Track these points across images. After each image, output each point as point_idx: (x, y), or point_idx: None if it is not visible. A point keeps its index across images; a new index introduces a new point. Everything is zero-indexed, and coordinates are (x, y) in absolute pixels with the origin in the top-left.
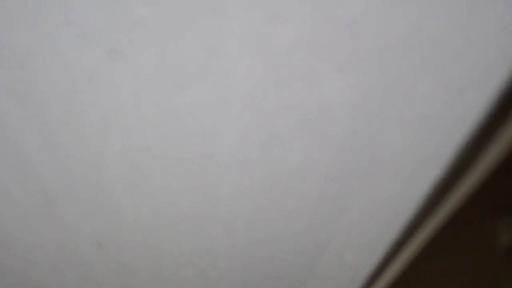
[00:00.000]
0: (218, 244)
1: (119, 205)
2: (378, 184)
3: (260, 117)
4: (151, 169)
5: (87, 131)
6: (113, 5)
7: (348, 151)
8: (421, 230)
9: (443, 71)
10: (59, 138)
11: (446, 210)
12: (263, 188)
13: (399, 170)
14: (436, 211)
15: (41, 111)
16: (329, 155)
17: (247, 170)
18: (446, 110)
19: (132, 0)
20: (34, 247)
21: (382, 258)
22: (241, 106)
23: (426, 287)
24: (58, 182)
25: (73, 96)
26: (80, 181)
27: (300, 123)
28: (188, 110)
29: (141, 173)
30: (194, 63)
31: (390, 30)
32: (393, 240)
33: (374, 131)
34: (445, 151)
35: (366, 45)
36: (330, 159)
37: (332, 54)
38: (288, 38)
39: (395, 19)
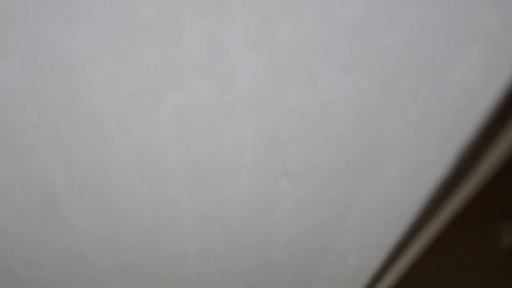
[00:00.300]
0: (219, 245)
1: (121, 206)
2: (380, 185)
3: (261, 118)
4: (153, 170)
5: (89, 132)
6: (116, 6)
7: (350, 152)
8: (424, 232)
9: (445, 72)
10: (61, 139)
11: (448, 212)
12: (264, 190)
13: (401, 172)
14: (438, 213)
15: (44, 112)
16: (331, 156)
17: (249, 171)
18: (448, 111)
19: (135, 1)
20: (36, 248)
21: (384, 259)
22: (242, 107)
23: None
24: (61, 183)
25: (75, 97)
26: (82, 182)
27: (302, 124)
28: (190, 112)
29: (143, 175)
30: (196, 64)
31: (392, 32)
32: (396, 241)
33: (376, 132)
34: (447, 153)
35: (368, 46)
36: (332, 160)
37: (334, 55)
38: (290, 39)
39: (397, 21)
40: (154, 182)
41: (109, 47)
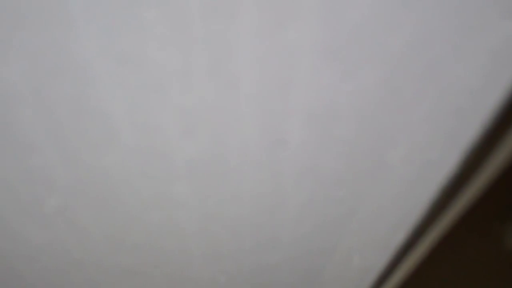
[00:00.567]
0: (224, 246)
1: (125, 207)
2: (385, 187)
3: (267, 120)
4: (157, 171)
5: (93, 133)
6: (121, 7)
7: (355, 153)
8: (429, 232)
9: (451, 74)
10: (66, 139)
11: (453, 212)
12: (269, 191)
13: (407, 173)
14: (443, 214)
15: (49, 113)
16: (336, 157)
17: (253, 172)
18: (453, 113)
19: (139, 4)
20: (42, 249)
21: (389, 260)
22: (247, 108)
23: None
24: (65, 183)
25: (80, 98)
26: (87, 183)
27: (307, 125)
28: (195, 112)
29: (147, 175)
30: (201, 65)
31: (397, 33)
32: (401, 242)
33: (380, 133)
34: (452, 154)
35: (373, 48)
36: (336, 161)
37: (339, 57)
38: (295, 41)
39: (402, 22)
40: (159, 182)
41: (114, 49)
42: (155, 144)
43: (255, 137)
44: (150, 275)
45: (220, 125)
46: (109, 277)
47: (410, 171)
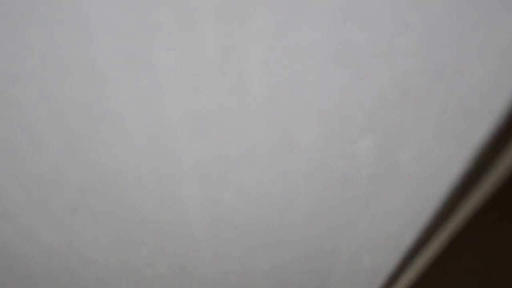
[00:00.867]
0: (234, 247)
1: (136, 208)
2: (395, 187)
3: (276, 120)
4: (166, 172)
5: (102, 134)
6: (132, 8)
7: (365, 155)
8: (439, 233)
9: (461, 74)
10: (75, 140)
11: (463, 213)
12: (279, 192)
13: (416, 173)
14: (454, 215)
15: (59, 114)
16: (346, 158)
17: (263, 173)
18: (463, 112)
19: (150, 5)
20: (52, 249)
21: (399, 261)
22: (257, 109)
23: None
24: (74, 184)
25: (90, 99)
26: (95, 184)
27: (318, 126)
28: (204, 113)
29: (156, 176)
30: (211, 66)
31: (409, 34)
32: (411, 243)
33: (391, 134)
34: (462, 154)
35: (384, 49)
36: (346, 162)
37: (350, 58)
38: (307, 42)
39: (413, 23)
40: (168, 183)
41: (125, 49)
42: (165, 144)
43: (265, 138)
44: (160, 275)
45: (230, 126)
46: (117, 277)
47: (420, 172)
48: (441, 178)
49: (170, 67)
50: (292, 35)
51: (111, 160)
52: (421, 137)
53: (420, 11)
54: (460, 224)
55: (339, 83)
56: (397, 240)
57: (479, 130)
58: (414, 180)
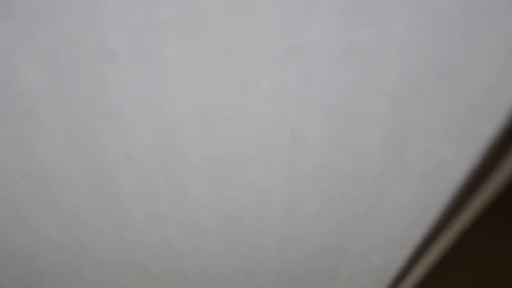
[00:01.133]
0: (243, 245)
1: (143, 206)
2: (404, 184)
3: (285, 118)
4: (175, 170)
5: (109, 131)
6: (137, 6)
7: (374, 151)
8: (447, 231)
9: (469, 70)
10: (81, 138)
11: (472, 210)
12: (287, 189)
13: (425, 170)
14: (462, 212)
15: (67, 112)
16: (355, 155)
17: (271, 170)
18: (472, 110)
19: (157, 1)
20: (60, 246)
21: (408, 259)
22: (266, 106)
23: None
24: (81, 182)
25: (96, 96)
26: (102, 182)
27: (326, 124)
28: (212, 111)
29: (164, 174)
30: (219, 64)
31: (415, 31)
32: (419, 241)
33: (399, 131)
34: (470, 152)
35: (391, 46)
36: (355, 159)
37: (358, 55)
38: (315, 39)
39: (420, 20)
40: (175, 181)
41: (131, 47)
42: (173, 141)
43: (273, 135)
44: (168, 274)
45: (238, 123)
46: (126, 274)
47: (428, 169)
48: (449, 175)
49: (178, 63)
50: (300, 32)
51: (118, 157)
52: (429, 134)
53: (427, 7)
54: (469, 221)
55: (347, 80)
56: (405, 237)
57: (488, 127)
58: (422, 177)
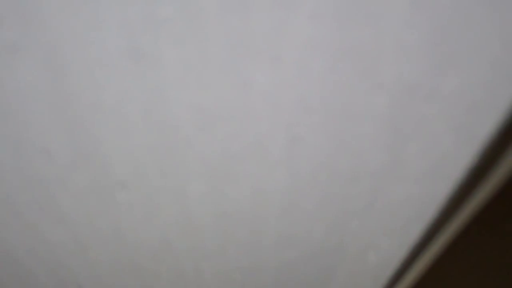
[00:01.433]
0: (240, 244)
1: (140, 206)
2: (401, 184)
3: (283, 118)
4: (169, 170)
5: (108, 131)
6: (136, 5)
7: (371, 150)
8: (444, 229)
9: (466, 68)
10: (80, 137)
11: (469, 210)
12: (284, 188)
13: (423, 168)
14: (459, 211)
15: (64, 110)
16: (352, 154)
17: (269, 170)
18: (470, 109)
19: (155, 1)
20: (56, 246)
21: (405, 257)
22: (263, 106)
23: (448, 287)
24: (81, 182)
25: (95, 96)
26: (101, 182)
27: (323, 123)
28: (211, 110)
29: (163, 173)
30: (216, 63)
31: (412, 30)
32: (416, 239)
33: (397, 130)
34: (468, 150)
35: (389, 45)
36: (353, 158)
37: (356, 55)
38: (312, 38)
39: (418, 17)
40: (174, 180)
41: (130, 45)
42: (171, 140)
43: (270, 134)
44: (165, 273)
45: (235, 122)
46: (122, 275)
47: (426, 167)
48: (447, 174)
49: (176, 63)
50: (298, 32)
51: (115, 156)
52: (427, 133)
53: (424, 7)
54: (466, 220)
55: (344, 79)
56: (403, 236)
57: (486, 125)
58: (419, 176)
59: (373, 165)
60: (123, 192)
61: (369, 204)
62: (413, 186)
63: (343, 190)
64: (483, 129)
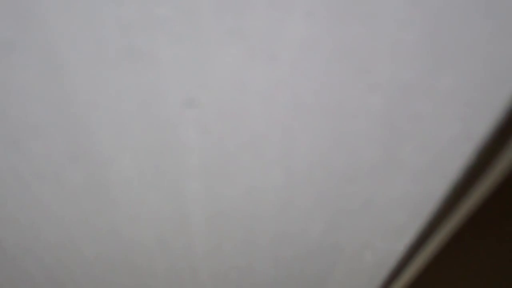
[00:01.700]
0: (236, 244)
1: (135, 206)
2: (397, 183)
3: (278, 117)
4: (165, 169)
5: (104, 130)
6: (131, 4)
7: (368, 149)
8: (440, 229)
9: (462, 67)
10: (76, 137)
11: (465, 210)
12: (280, 187)
13: (418, 168)
14: (455, 211)
15: (59, 109)
16: (348, 153)
17: (265, 169)
18: (466, 107)
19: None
20: (52, 246)
21: (401, 257)
22: (259, 105)
23: (445, 287)
24: (77, 181)
25: (93, 96)
26: (96, 181)
27: (319, 122)
28: (206, 110)
29: (159, 172)
30: (212, 62)
31: (409, 28)
32: (413, 239)
33: (393, 129)
34: (464, 150)
35: (384, 44)
36: (349, 157)
37: (352, 54)
38: (305, 37)
39: (413, 17)
40: (169, 179)
41: (126, 45)
42: (167, 140)
43: (266, 133)
44: (160, 272)
45: (232, 122)
46: (117, 274)
47: (422, 166)
48: (444, 174)
49: (172, 61)
50: (294, 31)
51: (111, 155)
52: (423, 132)
53: (420, 6)
54: (462, 219)
55: (340, 78)
56: (399, 235)
57: (482, 124)
58: (416, 175)
59: (369, 164)
60: (118, 190)
61: (365, 203)
62: (410, 185)
63: (339, 189)
64: (479, 128)
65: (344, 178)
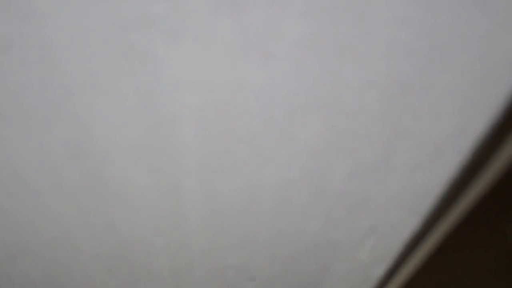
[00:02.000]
0: (232, 241)
1: (133, 203)
2: (394, 180)
3: (275, 116)
4: (162, 167)
5: (102, 128)
6: (130, 3)
7: (366, 147)
8: (436, 229)
9: (459, 65)
10: (74, 136)
11: (460, 209)
12: (277, 186)
13: (415, 165)
14: (450, 211)
15: (56, 107)
16: (346, 151)
17: (262, 167)
18: (463, 104)
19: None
20: (49, 245)
21: (397, 255)
22: (256, 104)
23: (440, 286)
24: (74, 179)
25: (92, 95)
26: (95, 177)
27: (317, 121)
28: (205, 108)
29: (157, 170)
30: (209, 61)
31: (404, 27)
32: (408, 238)
33: (390, 128)
34: (460, 150)
35: (383, 44)
36: (347, 155)
37: (350, 53)
38: (304, 36)
39: (409, 16)
40: (166, 177)
41: (124, 45)
42: (165, 138)
43: (264, 132)
44: (157, 270)
45: (228, 120)
46: (114, 271)
47: (419, 164)
48: (439, 173)
49: (169, 61)
50: (291, 30)
51: (108, 153)
52: (420, 130)
53: (417, 5)
54: (457, 220)
55: (338, 76)
56: (395, 233)
57: (479, 121)
58: (413, 172)
59: (366, 161)
60: (116, 187)
61: (361, 201)
62: (407, 183)
63: (336, 187)
64: (477, 124)
65: (341, 176)
